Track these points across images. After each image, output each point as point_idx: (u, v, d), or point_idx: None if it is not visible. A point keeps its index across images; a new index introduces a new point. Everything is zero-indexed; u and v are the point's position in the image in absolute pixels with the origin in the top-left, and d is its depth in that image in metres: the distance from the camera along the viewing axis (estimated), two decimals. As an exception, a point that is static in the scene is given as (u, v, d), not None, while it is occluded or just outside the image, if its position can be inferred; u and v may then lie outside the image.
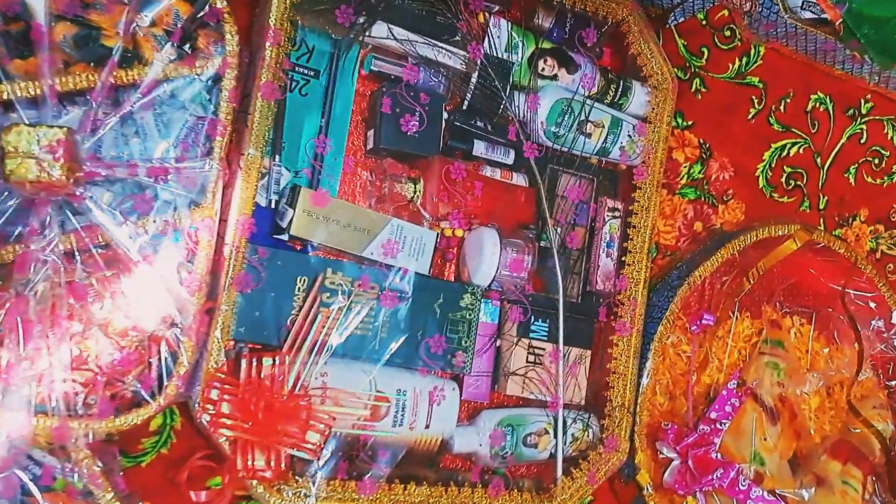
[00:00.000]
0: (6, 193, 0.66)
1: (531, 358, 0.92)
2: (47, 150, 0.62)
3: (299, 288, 0.79)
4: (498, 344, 0.92)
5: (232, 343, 0.77)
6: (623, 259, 0.97)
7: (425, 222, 0.86)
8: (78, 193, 0.68)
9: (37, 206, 0.67)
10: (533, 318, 0.92)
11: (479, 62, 0.89)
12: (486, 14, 0.90)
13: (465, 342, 0.87)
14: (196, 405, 0.73)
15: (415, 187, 0.86)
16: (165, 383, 0.72)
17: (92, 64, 0.71)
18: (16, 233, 0.68)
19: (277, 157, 0.82)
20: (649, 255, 0.97)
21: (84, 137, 0.69)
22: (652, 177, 0.97)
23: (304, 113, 0.85)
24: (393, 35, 0.85)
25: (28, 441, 0.65)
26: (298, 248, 0.83)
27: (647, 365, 0.97)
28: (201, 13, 0.74)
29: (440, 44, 0.87)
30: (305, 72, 0.85)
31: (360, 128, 0.89)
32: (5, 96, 0.67)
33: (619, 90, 0.97)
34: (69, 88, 0.69)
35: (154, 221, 0.72)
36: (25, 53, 0.68)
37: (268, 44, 0.76)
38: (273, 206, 0.82)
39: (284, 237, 0.80)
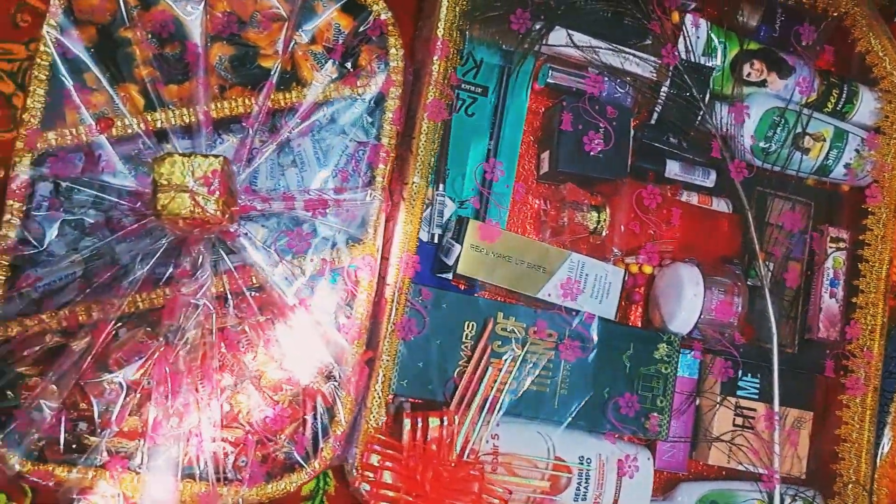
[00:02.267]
0: (156, 232, 0.61)
1: (739, 421, 0.77)
2: (202, 183, 0.55)
3: (467, 335, 0.69)
4: (697, 403, 0.77)
5: (391, 398, 0.68)
6: (853, 300, 0.79)
7: (612, 258, 0.73)
8: (232, 230, 0.61)
9: (188, 246, 0.60)
10: (741, 372, 0.77)
11: (671, 69, 0.75)
12: (681, 13, 0.77)
13: (661, 402, 0.73)
14: (353, 470, 0.64)
15: (598, 216, 0.74)
16: (321, 444, 0.63)
17: (248, 87, 0.65)
18: (166, 275, 0.61)
19: (441, 186, 0.73)
20: (887, 296, 0.78)
21: (239, 168, 0.62)
22: (889, 199, 0.78)
23: (470, 135, 0.75)
24: (573, 42, 0.73)
25: (175, 509, 0.58)
26: (462, 288, 0.73)
27: (885, 431, 0.78)
28: (364, 26, 0.66)
29: (627, 49, 0.75)
30: (472, 89, 0.75)
31: (530, 150, 0.78)
32: (158, 124, 0.62)
33: (844, 96, 0.80)
34: (224, 114, 0.63)
35: (311, 260, 0.64)
36: (180, 78, 0.62)
37: (435, 57, 0.67)
38: (436, 240, 0.72)
39: (448, 276, 0.70)
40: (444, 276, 0.71)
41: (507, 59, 0.76)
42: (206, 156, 0.56)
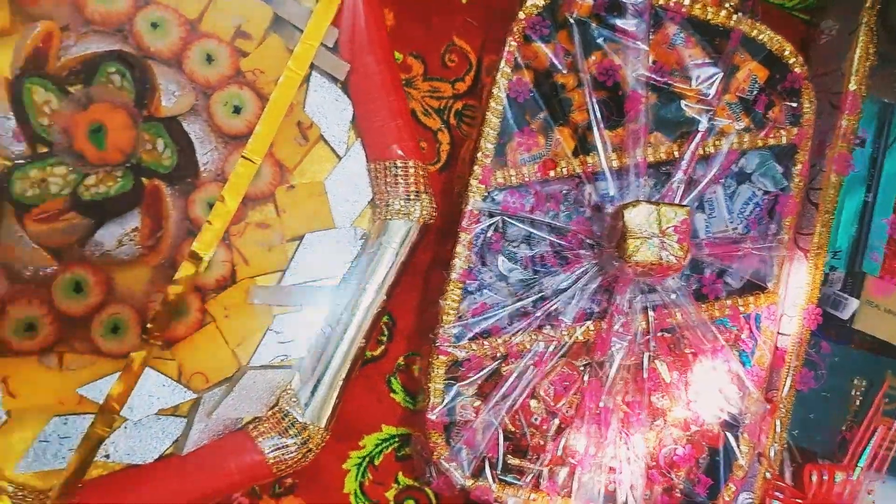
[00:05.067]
0: (588, 270, 0.64)
1: None
2: (672, 231, 0.58)
3: (856, 390, 0.69)
4: None
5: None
6: None
7: None
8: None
9: (620, 286, 0.63)
10: None
11: None
12: None
13: None
14: (748, 514, 0.65)
15: None
16: (721, 487, 0.65)
17: (669, 134, 0.67)
18: (595, 311, 0.65)
19: (817, 235, 0.73)
20: None
21: (666, 214, 0.64)
22: None
23: (846, 186, 0.74)
24: (966, 97, 0.72)
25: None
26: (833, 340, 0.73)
27: None
28: (781, 78, 0.68)
29: None
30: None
31: (901, 202, 0.77)
32: (592, 167, 0.65)
33: None
34: (650, 160, 0.65)
35: (718, 307, 0.66)
36: (613, 124, 0.65)
37: (846, 112, 0.67)
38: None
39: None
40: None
41: (886, 110, 0.75)
42: (673, 205, 0.58)
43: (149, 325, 0.59)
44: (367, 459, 0.68)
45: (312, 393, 0.62)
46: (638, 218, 0.58)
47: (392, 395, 0.69)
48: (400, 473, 0.69)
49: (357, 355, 0.63)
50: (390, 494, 0.69)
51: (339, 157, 0.65)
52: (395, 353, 0.69)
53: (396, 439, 0.69)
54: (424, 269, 0.69)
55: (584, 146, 0.65)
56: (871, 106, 0.75)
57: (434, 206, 0.64)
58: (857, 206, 0.75)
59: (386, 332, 0.69)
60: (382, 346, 0.69)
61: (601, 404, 0.63)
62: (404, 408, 0.69)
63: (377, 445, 0.69)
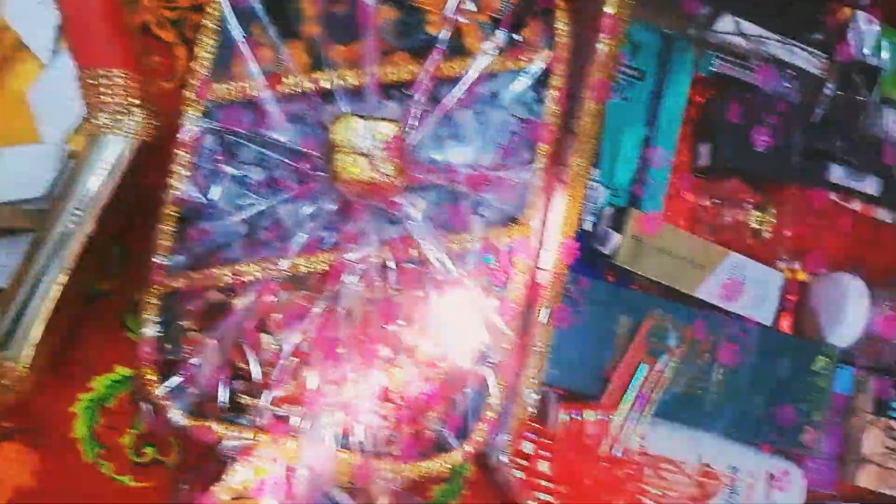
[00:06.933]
0: (322, 195, 0.59)
1: (891, 444, 0.72)
2: (382, 147, 0.53)
3: (621, 329, 0.66)
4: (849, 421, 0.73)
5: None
6: None
7: (775, 261, 0.70)
8: (398, 200, 0.59)
9: (355, 213, 0.58)
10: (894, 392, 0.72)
11: (839, 66, 0.72)
12: (854, 8, 0.73)
13: (815, 415, 0.69)
14: (499, 457, 0.61)
15: (762, 216, 0.70)
16: (471, 427, 0.61)
17: (412, 53, 0.63)
18: (329, 240, 0.60)
19: (594, 172, 0.70)
20: None
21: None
22: None
23: (624, 120, 0.72)
24: (740, 30, 0.70)
25: (331, 478, 0.56)
26: (610, 279, 0.70)
27: None
28: (535, -1, 0.64)
29: (797, 43, 0.71)
30: (629, 72, 0.72)
31: (686, 141, 0.75)
32: (324, 84, 0.60)
33: None
34: (389, 80, 0.61)
35: (469, 238, 0.62)
36: (347, 39, 0.61)
37: (602, 34, 0.64)
38: (590, 228, 0.69)
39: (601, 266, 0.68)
40: (591, 266, 0.68)
41: (668, 42, 0.73)
42: (385, 120, 0.54)
43: None
44: (98, 402, 0.62)
45: (13, 326, 0.55)
46: (346, 132, 0.54)
47: (128, 333, 0.63)
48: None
49: (69, 287, 0.57)
50: (126, 440, 0.63)
51: (44, 66, 0.59)
52: (130, 289, 0.63)
53: (132, 381, 0.63)
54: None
55: (319, 62, 0.60)
56: (653, 39, 0.73)
57: (152, 122, 0.59)
58: (637, 142, 0.72)
59: (118, 266, 0.63)
60: (114, 281, 0.63)
61: (337, 338, 0.58)
62: (142, 348, 0.63)
63: (108, 388, 0.62)
